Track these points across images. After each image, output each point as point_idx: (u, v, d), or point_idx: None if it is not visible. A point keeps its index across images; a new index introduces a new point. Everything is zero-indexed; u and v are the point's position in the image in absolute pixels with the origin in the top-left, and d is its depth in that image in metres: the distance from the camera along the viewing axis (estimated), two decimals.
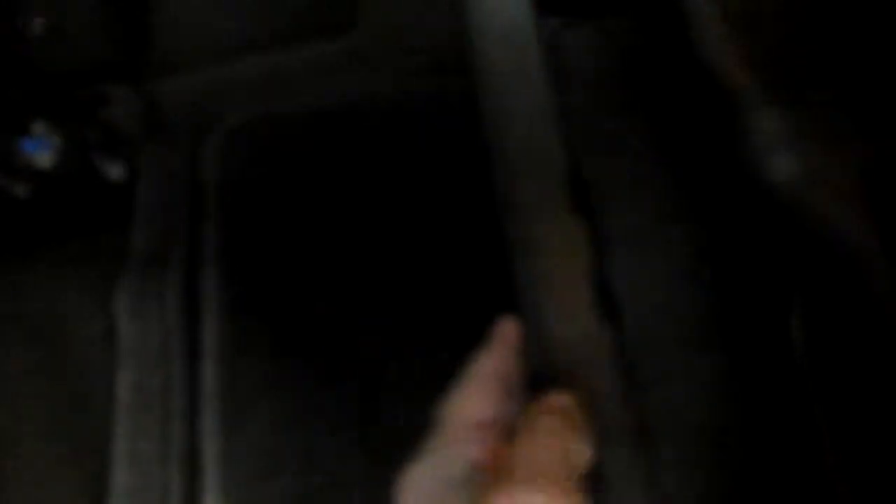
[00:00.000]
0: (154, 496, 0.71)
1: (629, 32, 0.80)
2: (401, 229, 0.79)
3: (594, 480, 0.41)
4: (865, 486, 0.56)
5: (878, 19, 0.56)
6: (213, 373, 0.72)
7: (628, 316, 0.44)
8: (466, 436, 0.44)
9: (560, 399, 0.42)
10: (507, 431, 0.43)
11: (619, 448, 0.42)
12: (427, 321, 0.73)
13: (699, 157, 0.70)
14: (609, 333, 0.43)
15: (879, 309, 0.49)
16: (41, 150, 0.94)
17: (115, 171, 0.95)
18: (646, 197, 0.72)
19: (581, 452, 0.41)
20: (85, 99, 0.96)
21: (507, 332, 0.47)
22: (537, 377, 0.44)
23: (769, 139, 0.58)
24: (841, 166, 0.54)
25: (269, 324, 0.76)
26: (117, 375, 0.74)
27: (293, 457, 0.69)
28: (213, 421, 0.70)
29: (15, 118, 0.93)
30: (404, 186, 0.81)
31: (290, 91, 0.95)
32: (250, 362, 0.73)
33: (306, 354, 0.73)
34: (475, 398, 0.46)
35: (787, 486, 0.59)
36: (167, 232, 0.85)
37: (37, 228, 0.88)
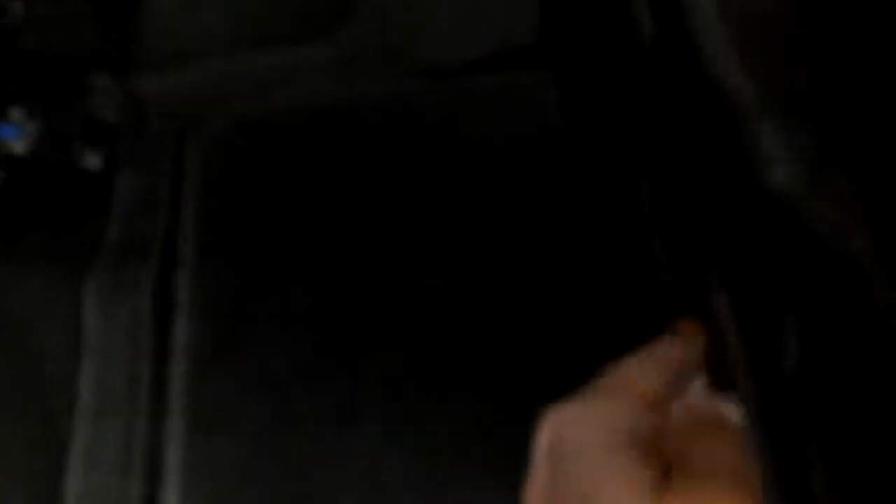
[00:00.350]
0: None
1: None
2: (385, 234, 0.77)
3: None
4: None
5: (881, 28, 0.54)
6: (182, 373, 0.68)
7: None
8: (631, 402, 0.43)
9: None
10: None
11: None
12: (408, 324, 0.71)
13: None
14: None
15: (879, 319, 0.45)
16: (17, 136, 0.91)
17: (93, 161, 0.91)
18: None
19: None
20: (66, 87, 0.92)
21: (690, 330, 0.47)
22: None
23: (770, 149, 0.54)
24: (841, 175, 0.51)
25: (247, 326, 0.73)
26: (80, 374, 0.70)
27: (266, 466, 0.66)
28: (179, 425, 0.66)
29: None
30: (389, 190, 0.79)
31: (278, 91, 0.92)
32: (223, 365, 0.70)
33: (285, 359, 0.70)
34: (649, 371, 0.45)
35: None
36: (144, 227, 0.82)
37: (8, 216, 0.85)
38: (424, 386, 0.67)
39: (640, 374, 0.45)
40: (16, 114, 0.91)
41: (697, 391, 0.46)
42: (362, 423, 0.67)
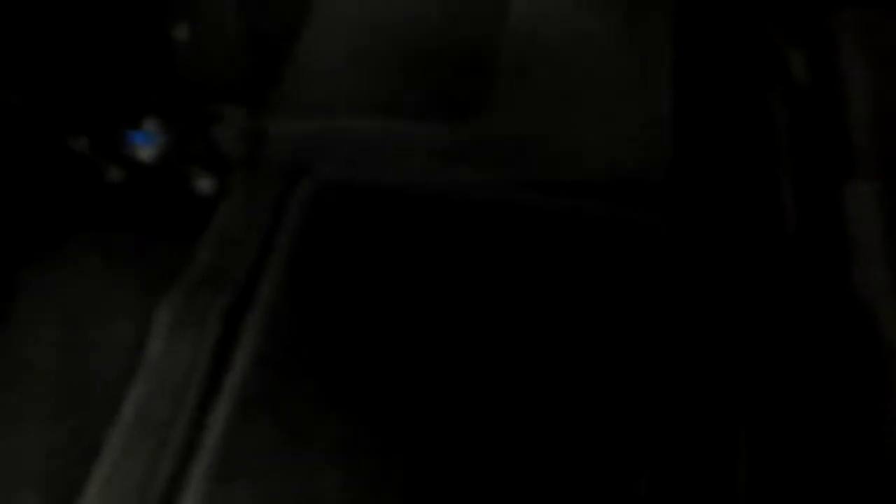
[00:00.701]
0: None
1: None
2: (455, 329, 0.79)
3: None
4: None
5: None
6: (223, 418, 0.71)
7: None
8: None
9: None
10: None
11: None
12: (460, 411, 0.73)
13: None
14: None
15: None
16: (146, 144, 0.98)
17: (205, 185, 0.98)
18: None
19: None
20: (201, 111, 0.99)
21: None
22: None
23: None
24: None
25: (298, 388, 0.75)
26: (129, 392, 0.74)
27: None
28: (202, 469, 0.68)
29: (132, 109, 0.96)
30: (471, 287, 0.81)
31: (397, 162, 0.95)
32: (264, 420, 0.72)
33: (320, 431, 0.72)
34: None
35: None
36: (228, 262, 0.85)
37: (113, 217, 0.91)
38: (470, 459, 0.70)
39: None
40: (149, 124, 0.99)
41: None
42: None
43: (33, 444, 0.74)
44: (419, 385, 0.75)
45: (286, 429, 0.72)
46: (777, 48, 1.03)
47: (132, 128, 0.97)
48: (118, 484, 0.70)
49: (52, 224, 0.91)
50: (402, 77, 1.01)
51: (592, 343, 0.78)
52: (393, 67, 1.02)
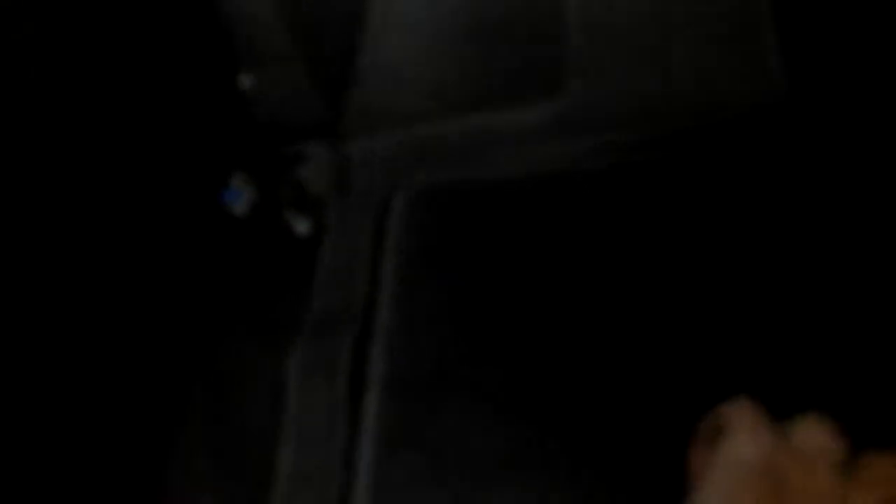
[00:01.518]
0: None
1: None
2: (582, 311, 0.75)
3: None
4: None
5: None
6: (368, 456, 0.70)
7: None
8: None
9: None
10: None
11: None
12: (602, 409, 0.70)
13: None
14: None
15: None
16: (236, 200, 0.99)
17: (302, 226, 0.98)
18: None
19: None
20: (282, 155, 1.00)
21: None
22: None
23: None
24: None
25: (435, 405, 0.73)
26: (280, 447, 0.75)
27: None
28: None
29: (217, 170, 0.97)
30: (595, 268, 0.77)
31: (486, 156, 0.93)
32: (408, 446, 0.71)
33: (469, 448, 0.70)
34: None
35: None
36: (344, 298, 0.85)
37: (224, 280, 0.93)
38: (616, 473, 0.67)
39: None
40: (237, 180, 1.00)
41: None
42: None
43: None
44: (565, 389, 0.72)
45: (428, 456, 0.71)
46: None
47: (220, 188, 0.98)
48: None
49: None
50: (473, 66, 1.00)
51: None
52: (460, 59, 1.01)
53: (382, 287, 0.83)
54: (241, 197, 0.97)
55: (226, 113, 0.98)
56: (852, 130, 0.81)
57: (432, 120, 0.96)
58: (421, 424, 0.73)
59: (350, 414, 0.76)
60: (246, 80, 0.99)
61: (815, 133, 0.82)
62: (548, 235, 0.80)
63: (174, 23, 0.91)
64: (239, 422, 0.80)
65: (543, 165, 0.88)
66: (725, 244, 0.76)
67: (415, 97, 0.98)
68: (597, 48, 0.95)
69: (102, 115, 0.80)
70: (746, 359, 0.70)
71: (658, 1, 0.96)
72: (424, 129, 0.96)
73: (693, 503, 0.47)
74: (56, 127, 0.78)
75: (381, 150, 0.97)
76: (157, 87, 0.88)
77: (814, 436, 0.49)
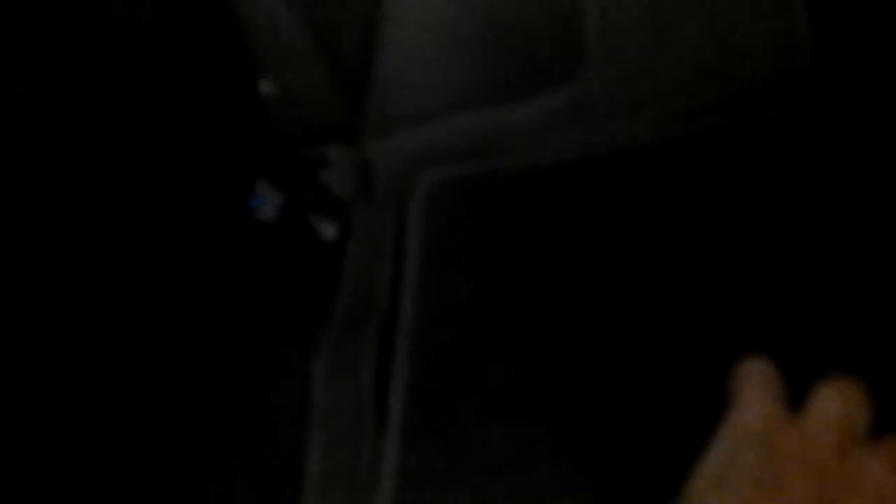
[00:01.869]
0: None
1: None
2: (618, 301, 0.75)
3: None
4: None
5: None
6: (392, 457, 0.71)
7: None
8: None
9: None
10: None
11: None
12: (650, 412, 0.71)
13: None
14: None
15: None
16: (262, 207, 1.00)
17: (328, 231, 0.99)
18: None
19: None
20: (306, 160, 1.01)
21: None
22: None
23: None
24: None
25: (458, 402, 0.74)
26: (308, 449, 0.75)
27: None
28: None
29: (241, 177, 0.99)
30: (620, 254, 0.76)
31: (505, 147, 0.92)
32: (432, 443, 0.72)
33: (493, 446, 0.71)
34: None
35: None
36: (368, 297, 0.85)
37: (252, 285, 0.94)
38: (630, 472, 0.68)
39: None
40: (261, 186, 1.01)
41: None
42: None
43: None
44: (590, 382, 0.73)
45: (451, 449, 0.71)
46: None
47: (246, 194, 0.99)
48: None
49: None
50: (491, 63, 0.99)
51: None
52: (477, 57, 1.00)
53: (406, 283, 0.83)
54: (266, 202, 0.98)
55: (248, 119, 0.99)
56: (880, 103, 0.80)
57: (450, 117, 0.96)
58: (440, 423, 0.74)
59: (375, 412, 0.76)
60: (267, 85, 1.00)
61: (842, 105, 0.80)
62: (570, 222, 0.79)
63: (193, 30, 0.92)
64: (266, 423, 0.80)
65: (564, 153, 0.87)
66: (754, 222, 0.75)
67: (432, 95, 0.98)
68: (613, 29, 0.94)
69: (122, 124, 0.82)
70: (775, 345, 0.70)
71: None
72: (443, 125, 0.95)
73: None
74: (77, 139, 0.79)
75: (401, 150, 0.97)
76: (178, 94, 0.90)
77: (830, 405, 0.48)
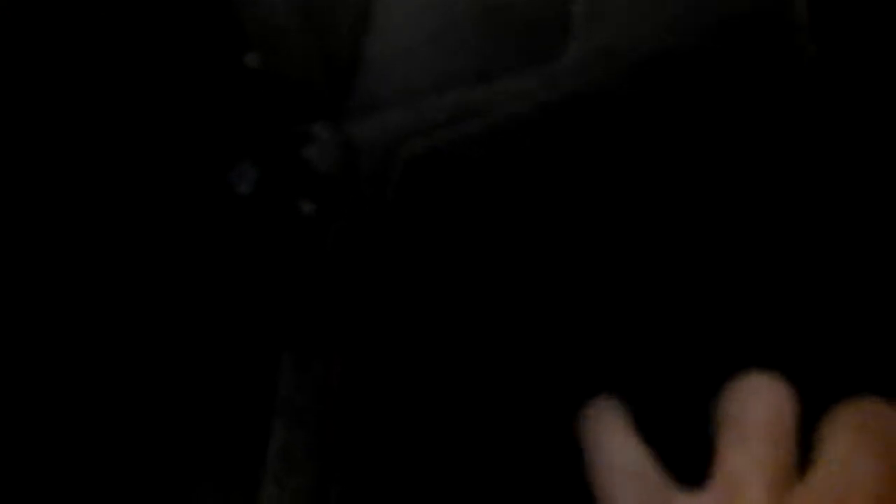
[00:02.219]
0: None
1: None
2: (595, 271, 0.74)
3: None
4: None
5: None
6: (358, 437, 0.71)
7: None
8: None
9: None
10: None
11: None
12: None
13: None
14: None
15: None
16: (241, 180, 0.99)
17: (308, 207, 0.98)
18: None
19: None
20: (287, 135, 1.00)
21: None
22: None
23: None
24: None
25: (424, 390, 0.74)
26: (273, 426, 0.74)
27: None
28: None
29: (223, 149, 0.97)
30: (590, 209, 0.75)
31: (486, 126, 0.89)
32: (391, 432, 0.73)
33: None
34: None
35: None
36: (347, 279, 0.84)
37: (227, 262, 0.93)
38: None
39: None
40: (240, 161, 0.99)
41: None
42: None
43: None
44: (575, 362, 0.72)
45: (415, 433, 0.71)
46: None
47: (227, 167, 0.98)
48: None
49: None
50: (477, 44, 0.99)
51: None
52: (465, 38, 1.00)
53: (386, 261, 0.82)
54: (245, 177, 0.97)
55: (232, 92, 0.98)
56: (882, 96, 0.78)
57: (435, 95, 0.95)
58: (405, 405, 0.74)
59: (339, 397, 0.76)
60: (253, 59, 0.98)
61: (842, 105, 0.79)
62: (544, 173, 0.78)
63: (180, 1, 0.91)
64: (230, 406, 0.80)
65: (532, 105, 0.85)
66: (742, 211, 0.74)
67: (418, 76, 0.97)
68: (600, 8, 0.92)
69: (105, 95, 0.81)
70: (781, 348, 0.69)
71: None
72: (427, 104, 0.94)
73: None
74: (58, 110, 0.78)
75: (385, 128, 0.96)
76: (161, 65, 0.88)
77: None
